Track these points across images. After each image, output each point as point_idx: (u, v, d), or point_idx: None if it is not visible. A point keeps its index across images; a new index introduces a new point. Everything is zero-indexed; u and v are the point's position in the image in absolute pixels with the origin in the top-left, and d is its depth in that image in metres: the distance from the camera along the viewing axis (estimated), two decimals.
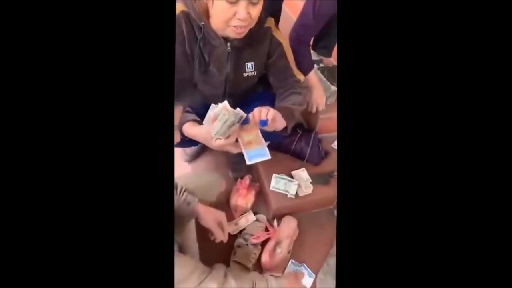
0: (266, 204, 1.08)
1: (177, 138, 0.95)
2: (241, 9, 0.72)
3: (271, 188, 1.03)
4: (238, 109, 0.72)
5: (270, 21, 0.91)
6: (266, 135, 0.86)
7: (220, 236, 0.80)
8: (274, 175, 1.06)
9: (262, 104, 0.95)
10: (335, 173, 1.10)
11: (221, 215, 0.83)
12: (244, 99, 1.00)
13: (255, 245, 0.94)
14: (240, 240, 0.94)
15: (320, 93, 1.10)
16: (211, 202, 0.95)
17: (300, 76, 0.97)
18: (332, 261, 0.95)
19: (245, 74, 0.93)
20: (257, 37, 0.85)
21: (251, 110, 0.89)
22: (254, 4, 0.74)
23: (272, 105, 0.95)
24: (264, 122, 0.75)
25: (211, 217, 0.81)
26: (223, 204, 1.08)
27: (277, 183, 1.04)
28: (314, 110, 1.11)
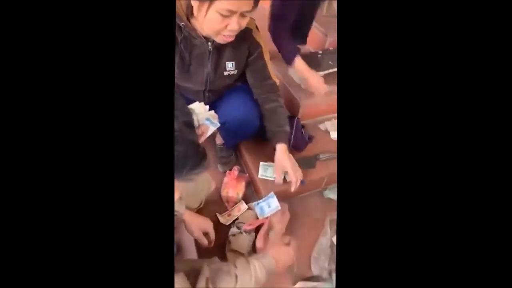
0: (256, 192, 1.11)
1: None
2: (234, 22, 0.77)
3: (259, 176, 1.06)
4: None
5: (251, 22, 0.94)
6: None
7: (204, 243, 0.85)
8: (261, 163, 1.09)
9: (239, 96, 1.00)
10: (321, 156, 1.13)
11: (207, 224, 0.88)
12: (222, 92, 1.03)
13: (248, 232, 0.97)
14: (233, 229, 0.97)
15: (317, 78, 1.13)
16: (200, 204, 0.99)
17: (277, 80, 1.01)
18: (324, 240, 0.99)
19: (225, 73, 0.96)
20: (239, 38, 0.88)
21: (227, 102, 0.93)
22: (244, 16, 0.77)
23: (247, 96, 0.99)
24: (303, 182, 0.99)
25: (196, 226, 0.86)
26: (215, 197, 1.10)
27: (265, 171, 1.07)
28: (321, 92, 1.14)
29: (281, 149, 0.96)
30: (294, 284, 0.90)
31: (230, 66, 0.95)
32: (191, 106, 0.75)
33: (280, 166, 0.96)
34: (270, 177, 1.05)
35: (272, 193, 1.00)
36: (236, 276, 0.65)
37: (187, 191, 0.89)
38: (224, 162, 1.21)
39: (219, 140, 1.26)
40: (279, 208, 0.98)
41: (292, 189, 0.97)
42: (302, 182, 0.98)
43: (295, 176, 0.94)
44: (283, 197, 1.09)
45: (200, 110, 0.77)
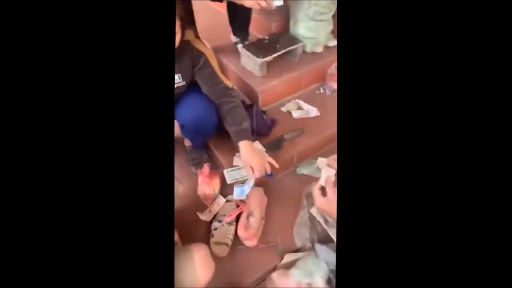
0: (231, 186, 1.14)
1: None
2: None
3: (228, 183, 1.08)
4: None
5: (189, 34, 0.96)
6: None
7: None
8: (224, 171, 1.10)
9: (193, 96, 1.01)
10: (285, 136, 1.17)
11: None
12: (177, 98, 1.05)
13: (230, 223, 1.00)
14: (215, 223, 1.00)
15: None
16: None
17: (228, 83, 1.02)
18: (303, 213, 1.03)
19: (175, 85, 0.97)
20: (178, 51, 0.90)
21: (182, 105, 0.94)
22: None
23: (201, 95, 1.01)
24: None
25: None
26: (194, 198, 1.12)
27: (231, 177, 1.08)
28: None
29: (243, 146, 0.96)
30: (281, 259, 0.94)
31: (177, 78, 0.98)
32: None
33: (247, 163, 0.96)
34: (239, 178, 1.07)
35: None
36: None
37: None
38: (196, 163, 1.23)
39: (187, 143, 1.28)
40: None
41: (268, 171, 0.98)
42: (270, 175, 0.99)
43: (260, 172, 0.95)
44: (257, 182, 1.12)
45: None
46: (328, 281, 0.87)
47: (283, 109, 1.32)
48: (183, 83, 0.99)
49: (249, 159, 0.95)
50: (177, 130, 1.18)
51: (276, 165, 0.99)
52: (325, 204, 0.70)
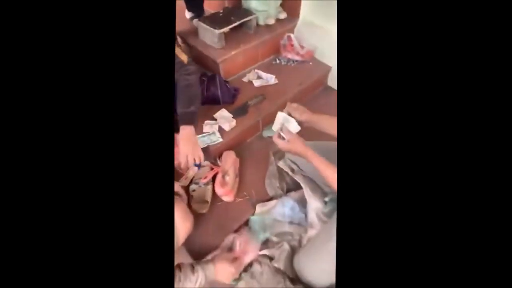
0: (205, 151, 1.20)
1: None
2: None
3: (202, 147, 1.13)
4: None
5: None
6: None
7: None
8: (197, 137, 1.14)
9: None
10: (249, 102, 1.26)
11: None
12: None
13: (206, 184, 1.07)
14: (192, 186, 1.06)
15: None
16: None
17: (184, 58, 1.01)
18: (271, 167, 1.15)
19: None
20: None
21: None
22: None
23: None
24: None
25: None
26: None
27: (202, 142, 1.13)
28: None
29: (184, 132, 0.92)
30: (254, 209, 1.05)
31: None
32: None
33: (184, 151, 0.92)
34: (211, 142, 1.13)
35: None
36: (179, 279, 0.73)
37: None
38: None
39: None
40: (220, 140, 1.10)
41: (197, 161, 0.94)
42: (197, 165, 0.97)
43: (191, 161, 0.93)
44: (228, 147, 1.21)
45: None
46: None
47: (245, 79, 1.40)
48: None
49: (186, 147, 0.92)
50: None
51: (202, 159, 0.96)
52: (285, 144, 0.82)
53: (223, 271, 0.82)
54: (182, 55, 1.02)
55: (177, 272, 0.73)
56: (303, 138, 0.83)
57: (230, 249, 0.95)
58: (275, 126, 0.90)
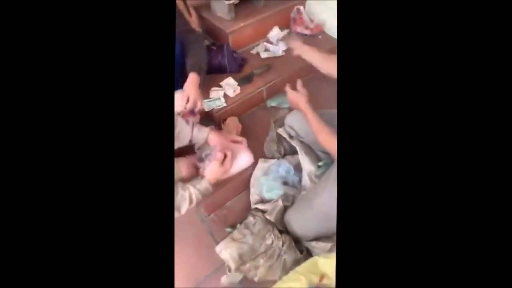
0: (210, 116, 1.29)
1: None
2: None
3: (206, 111, 1.23)
4: None
5: None
6: None
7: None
8: (203, 101, 1.23)
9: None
10: (254, 71, 1.33)
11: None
12: None
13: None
14: (197, 145, 1.17)
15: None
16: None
17: (194, 24, 1.13)
18: (271, 133, 1.22)
19: None
20: None
21: None
22: None
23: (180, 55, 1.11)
24: (193, 112, 1.03)
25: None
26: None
27: (209, 106, 1.23)
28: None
29: (190, 77, 1.03)
30: (255, 167, 1.14)
31: None
32: None
33: (185, 92, 1.02)
34: (216, 106, 1.22)
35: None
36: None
37: None
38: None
39: None
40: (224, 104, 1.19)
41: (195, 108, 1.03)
42: (193, 112, 1.04)
43: (193, 103, 1.01)
44: (232, 114, 1.29)
45: None
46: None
47: (253, 51, 1.46)
48: None
49: (189, 89, 1.02)
50: None
51: (198, 106, 1.04)
52: (295, 95, 0.87)
53: (212, 172, 0.86)
54: (194, 24, 1.13)
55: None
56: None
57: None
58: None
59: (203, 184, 0.85)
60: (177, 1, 1.09)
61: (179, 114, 1.23)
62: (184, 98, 1.02)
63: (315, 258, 0.84)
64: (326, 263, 0.80)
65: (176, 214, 0.78)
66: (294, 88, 0.89)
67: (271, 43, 1.47)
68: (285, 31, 1.54)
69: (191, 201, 0.80)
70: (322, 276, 0.78)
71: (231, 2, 1.30)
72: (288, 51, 1.32)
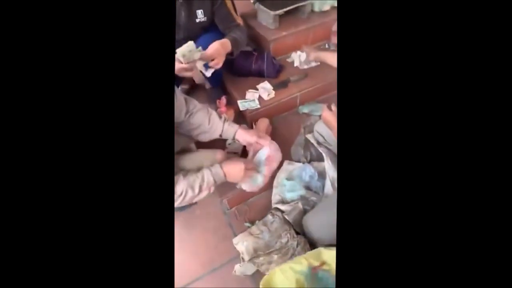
0: (243, 115, 1.37)
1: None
2: None
3: (241, 110, 1.31)
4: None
5: None
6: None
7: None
8: (238, 101, 1.33)
9: (207, 35, 1.21)
10: (291, 78, 1.38)
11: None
12: (199, 37, 1.27)
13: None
14: (229, 140, 1.24)
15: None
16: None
17: (239, 21, 1.23)
18: (300, 138, 1.25)
19: (197, 20, 1.19)
20: None
21: (198, 43, 1.15)
22: None
23: (216, 33, 1.22)
24: (206, 66, 1.08)
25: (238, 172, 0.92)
26: None
27: (243, 106, 1.31)
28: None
29: (224, 40, 1.09)
30: (280, 169, 1.17)
31: (200, 13, 1.19)
32: (183, 47, 0.98)
33: (211, 46, 1.06)
34: (250, 107, 1.30)
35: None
36: (187, 177, 0.82)
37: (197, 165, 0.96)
38: (215, 101, 1.47)
39: (207, 85, 1.52)
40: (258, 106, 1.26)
41: (213, 64, 1.06)
42: (206, 65, 1.07)
43: (213, 55, 1.05)
44: (264, 115, 1.35)
45: (190, 47, 1.01)
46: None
47: (289, 60, 1.52)
48: (205, 19, 1.20)
49: (217, 45, 1.06)
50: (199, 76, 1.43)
51: (218, 65, 1.08)
52: (329, 115, 0.91)
53: (232, 169, 0.87)
54: (239, 20, 1.23)
55: (179, 177, 0.79)
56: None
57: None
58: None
59: (216, 168, 0.87)
60: (225, 3, 1.20)
61: (217, 109, 1.32)
62: (208, 51, 1.05)
63: (320, 248, 0.88)
64: (329, 254, 0.85)
65: (190, 193, 0.81)
66: (329, 108, 0.94)
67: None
68: (323, 43, 1.59)
69: (202, 178, 0.83)
70: (322, 263, 0.82)
71: (277, 13, 1.38)
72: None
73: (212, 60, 1.06)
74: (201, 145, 1.16)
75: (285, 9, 1.40)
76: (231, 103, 1.43)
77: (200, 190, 0.82)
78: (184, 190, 0.80)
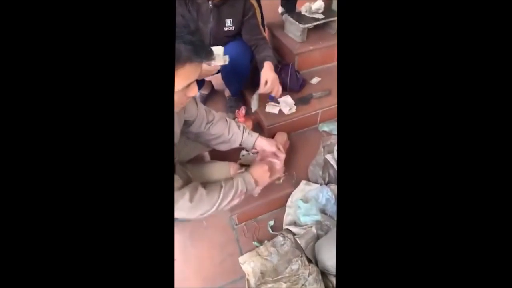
0: (261, 127, 1.32)
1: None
2: None
3: (253, 111, 1.28)
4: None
5: None
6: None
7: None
8: (251, 98, 1.28)
9: (232, 44, 1.20)
10: (314, 94, 1.33)
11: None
12: (224, 45, 1.25)
13: (255, 153, 1.19)
14: (243, 152, 1.20)
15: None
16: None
17: (265, 34, 1.23)
18: (319, 157, 1.20)
19: (225, 29, 1.18)
20: None
21: (229, 53, 1.13)
22: None
23: (240, 43, 1.21)
24: (272, 98, 1.18)
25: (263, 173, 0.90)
26: None
27: (254, 106, 1.28)
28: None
29: (267, 65, 1.13)
30: (295, 187, 1.11)
31: (228, 22, 1.17)
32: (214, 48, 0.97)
33: (264, 77, 1.11)
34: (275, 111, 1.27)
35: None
36: (221, 186, 0.79)
37: (210, 177, 0.96)
38: (233, 110, 1.43)
39: (227, 93, 1.49)
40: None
41: (274, 93, 1.14)
42: (272, 97, 1.17)
43: (271, 87, 1.10)
44: (283, 130, 1.30)
45: (218, 52, 1.00)
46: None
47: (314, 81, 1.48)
48: (233, 28, 1.18)
49: (268, 75, 1.11)
50: (219, 83, 1.41)
51: (279, 93, 1.15)
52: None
53: (260, 174, 0.87)
54: (264, 34, 1.22)
55: (218, 188, 0.78)
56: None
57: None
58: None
59: (247, 177, 0.84)
60: (256, 15, 1.18)
61: (234, 118, 1.30)
62: (263, 81, 1.10)
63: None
64: None
65: (224, 202, 0.78)
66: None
67: None
68: None
69: (236, 188, 0.80)
70: None
71: (306, 26, 1.35)
72: None
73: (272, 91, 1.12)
74: (214, 153, 1.13)
75: (315, 23, 1.37)
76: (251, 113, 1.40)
77: (233, 199, 0.80)
78: (220, 199, 0.77)
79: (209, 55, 0.60)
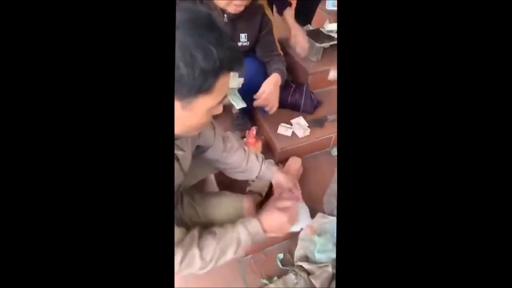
0: (271, 149, 1.24)
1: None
2: None
3: (237, 108, 1.15)
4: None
5: None
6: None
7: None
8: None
9: (251, 66, 1.13)
10: (328, 117, 1.26)
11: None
12: None
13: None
14: None
15: (298, 32, 1.29)
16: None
17: (280, 51, 1.17)
18: (333, 186, 1.12)
19: (239, 44, 1.10)
20: (250, 12, 1.03)
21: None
22: None
23: (255, 61, 1.15)
24: (264, 112, 1.13)
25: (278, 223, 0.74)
26: None
27: (237, 105, 1.15)
28: (298, 51, 1.32)
29: (273, 77, 1.07)
30: (313, 218, 1.03)
31: (243, 37, 1.10)
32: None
33: (264, 87, 1.05)
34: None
35: None
36: (219, 239, 0.66)
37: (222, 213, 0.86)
38: (240, 128, 1.35)
39: (234, 110, 1.41)
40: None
41: (268, 108, 1.09)
42: (264, 112, 1.11)
43: (265, 100, 1.04)
44: (295, 153, 1.22)
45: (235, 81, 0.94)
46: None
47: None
48: (247, 43, 1.11)
49: (269, 86, 1.05)
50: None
51: (274, 108, 1.10)
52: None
53: (272, 220, 0.71)
54: (279, 50, 1.17)
55: (210, 236, 0.66)
56: None
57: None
58: None
59: (254, 225, 0.70)
60: (273, 31, 1.12)
61: (245, 143, 1.20)
62: (261, 90, 1.03)
63: None
64: None
65: (221, 260, 0.66)
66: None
67: None
68: None
69: (238, 242, 0.68)
70: None
71: (323, 45, 1.29)
72: None
73: (267, 105, 1.06)
74: (221, 177, 1.04)
75: (332, 43, 1.31)
76: (260, 133, 1.31)
77: (233, 255, 0.67)
78: (215, 256, 0.64)
79: (242, 67, 0.52)
